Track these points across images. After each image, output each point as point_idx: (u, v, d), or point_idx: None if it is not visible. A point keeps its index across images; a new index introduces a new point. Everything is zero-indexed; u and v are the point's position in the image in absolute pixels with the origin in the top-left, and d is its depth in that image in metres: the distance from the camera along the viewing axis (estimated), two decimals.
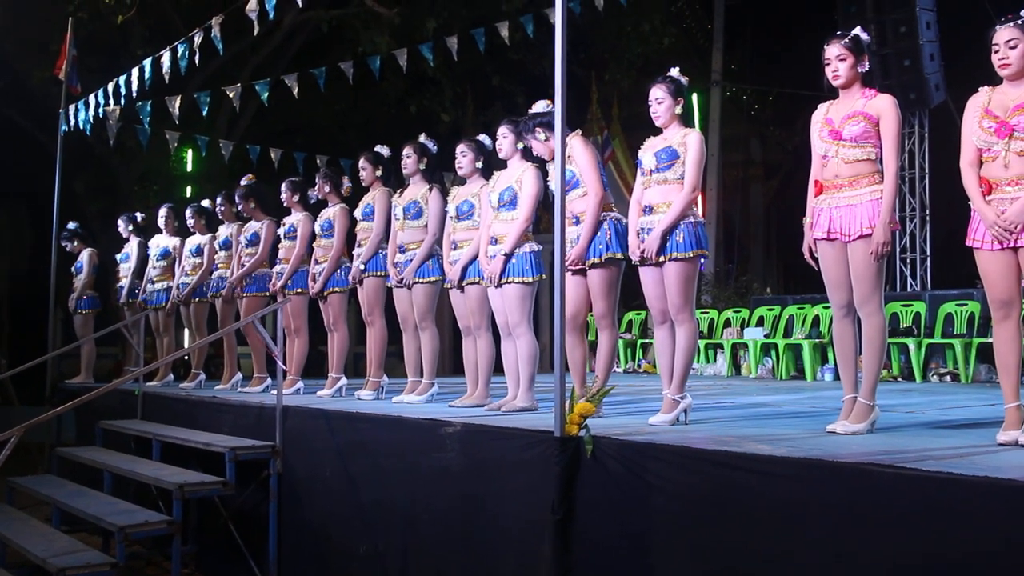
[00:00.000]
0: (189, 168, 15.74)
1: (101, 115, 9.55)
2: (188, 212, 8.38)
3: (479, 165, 5.73)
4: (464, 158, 5.73)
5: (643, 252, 4.53)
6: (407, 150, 6.18)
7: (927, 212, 13.19)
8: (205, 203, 8.47)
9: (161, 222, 8.75)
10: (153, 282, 8.61)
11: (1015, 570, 2.56)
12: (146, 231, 9.16)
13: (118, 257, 9.27)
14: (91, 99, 9.52)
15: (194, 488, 5.39)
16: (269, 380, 7.30)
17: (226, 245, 7.89)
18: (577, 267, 4.86)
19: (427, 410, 5.38)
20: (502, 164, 5.48)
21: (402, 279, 6.02)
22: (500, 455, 4.25)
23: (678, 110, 4.62)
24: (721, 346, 11.04)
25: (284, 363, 6.29)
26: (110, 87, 9.17)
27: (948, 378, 8.99)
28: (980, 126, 3.66)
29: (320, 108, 14.68)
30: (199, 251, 8.17)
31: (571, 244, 4.79)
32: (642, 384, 8.44)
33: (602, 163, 5.15)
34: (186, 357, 9.11)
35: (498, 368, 5.54)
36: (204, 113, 9.41)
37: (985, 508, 2.65)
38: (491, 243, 5.31)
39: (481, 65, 13.60)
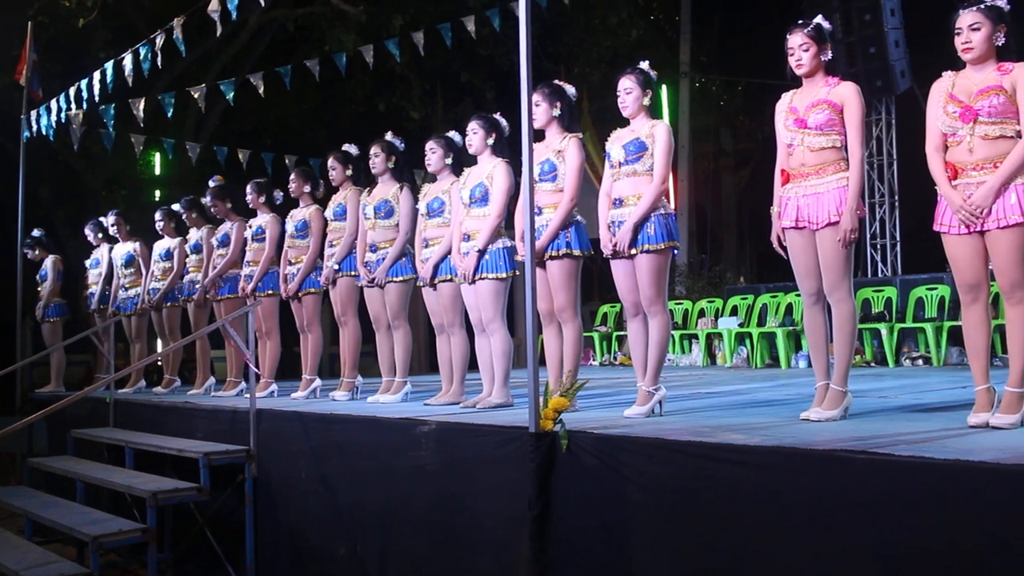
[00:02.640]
0: (157, 171, 15.58)
1: (64, 120, 9.43)
2: (157, 216, 8.28)
3: (449, 161, 5.70)
4: (433, 155, 5.70)
5: (615, 245, 4.52)
6: (374, 149, 6.13)
7: (896, 198, 13.30)
8: (175, 206, 8.37)
9: (112, 230, 8.64)
10: (124, 288, 8.51)
11: (987, 551, 2.58)
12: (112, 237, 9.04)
13: (88, 263, 9.15)
14: (53, 104, 9.41)
15: (168, 495, 5.33)
16: (243, 384, 7.23)
17: (197, 248, 7.80)
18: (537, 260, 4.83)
19: (402, 409, 5.35)
20: (473, 160, 5.45)
21: (374, 278, 5.99)
22: (476, 452, 4.24)
23: (646, 101, 4.61)
24: (696, 336, 11.09)
25: (256, 366, 6.23)
26: (72, 91, 9.06)
27: (920, 362, 9.08)
28: (945, 111, 3.68)
29: (288, 108, 14.58)
30: (168, 255, 8.08)
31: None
32: (617, 377, 8.46)
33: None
34: (159, 363, 9.02)
35: (473, 365, 5.52)
36: (170, 115, 9.31)
37: (957, 490, 2.67)
38: (463, 240, 5.29)
39: (449, 61, 13.55)
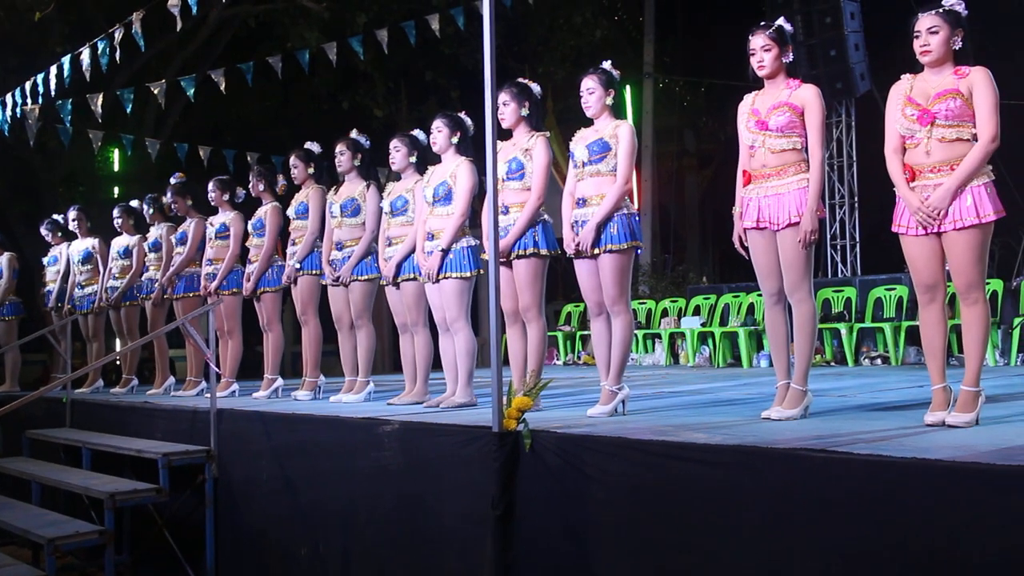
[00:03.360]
0: (116, 168, 15.34)
1: (20, 115, 9.25)
2: (116, 212, 8.15)
3: (413, 160, 5.67)
4: (397, 153, 5.67)
5: (578, 245, 4.53)
6: (340, 147, 6.09)
7: (856, 199, 13.48)
8: (133, 203, 8.24)
9: (73, 225, 8.50)
10: (81, 286, 8.37)
11: (943, 548, 2.61)
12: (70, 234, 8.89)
13: (45, 260, 8.99)
14: (8, 98, 9.22)
15: (126, 496, 5.26)
16: (203, 383, 7.15)
17: (156, 247, 7.70)
18: (503, 259, 4.83)
19: (365, 409, 5.32)
20: (438, 159, 5.43)
21: (339, 277, 5.94)
22: (439, 452, 4.22)
23: (609, 101, 4.62)
24: (659, 336, 11.15)
25: (217, 365, 6.16)
26: (28, 86, 8.88)
27: (879, 361, 9.21)
28: (903, 114, 3.73)
29: (250, 105, 14.43)
30: (127, 253, 7.96)
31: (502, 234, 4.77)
32: (581, 376, 8.48)
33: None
34: (117, 362, 8.89)
35: (437, 364, 5.50)
36: (129, 111, 9.17)
37: (915, 488, 2.71)
38: (427, 238, 5.27)
39: (414, 60, 13.51)
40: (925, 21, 3.68)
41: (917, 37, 3.70)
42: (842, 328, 9.44)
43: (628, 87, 14.77)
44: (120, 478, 5.73)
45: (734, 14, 13.53)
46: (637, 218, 4.60)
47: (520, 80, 5.06)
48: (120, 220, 8.09)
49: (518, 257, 4.82)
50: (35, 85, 8.76)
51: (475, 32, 10.61)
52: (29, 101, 8.88)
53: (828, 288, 10.05)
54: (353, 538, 4.74)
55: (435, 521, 4.25)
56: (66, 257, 8.71)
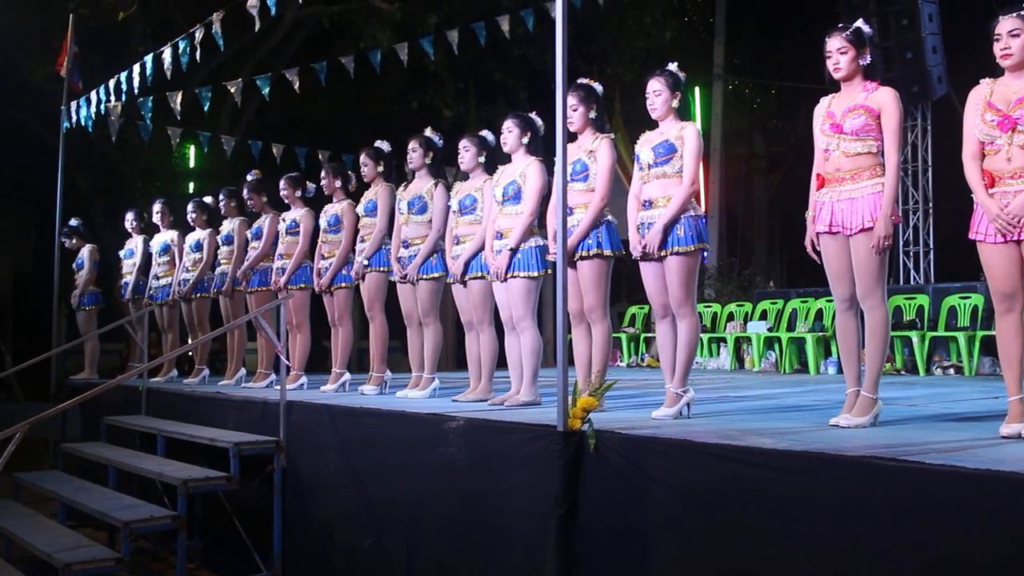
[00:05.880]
0: (191, 164, 15.75)
1: (103, 112, 9.57)
2: (189, 207, 8.38)
3: (481, 160, 5.72)
4: (467, 153, 5.73)
5: (644, 247, 4.52)
6: (413, 144, 6.16)
7: (930, 205, 13.17)
8: (207, 199, 8.47)
9: (156, 218, 8.76)
10: (158, 278, 8.62)
11: (1017, 562, 2.56)
12: (151, 227, 9.17)
13: (121, 253, 9.28)
14: (93, 96, 9.54)
15: (198, 483, 5.40)
16: (273, 375, 7.31)
17: (228, 240, 7.89)
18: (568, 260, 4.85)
19: (430, 405, 5.39)
20: (506, 158, 5.47)
21: (406, 274, 6.02)
22: (503, 449, 4.26)
23: (675, 104, 4.61)
24: (724, 340, 11.04)
25: (287, 358, 6.30)
26: (112, 84, 9.18)
27: (951, 371, 8.98)
28: (982, 119, 3.65)
29: (322, 104, 14.67)
30: (199, 246, 8.18)
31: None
32: (645, 378, 8.45)
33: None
34: (191, 353, 9.14)
35: (502, 363, 5.54)
36: (206, 109, 9.42)
37: (987, 501, 2.65)
38: (496, 237, 5.31)
39: (483, 60, 13.58)
40: (1006, 24, 3.61)
41: (997, 40, 3.62)
42: (914, 336, 9.24)
43: (697, 89, 14.66)
44: (192, 465, 5.89)
45: (806, 15, 13.36)
46: (704, 220, 4.58)
47: (585, 81, 5.07)
48: (194, 215, 8.31)
49: (582, 258, 4.83)
50: (118, 83, 9.05)
51: (544, 33, 10.65)
52: (112, 98, 9.18)
53: (900, 295, 9.83)
54: (416, 532, 4.80)
55: (498, 517, 4.29)
56: (142, 250, 8.97)
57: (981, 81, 3.74)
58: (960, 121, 3.77)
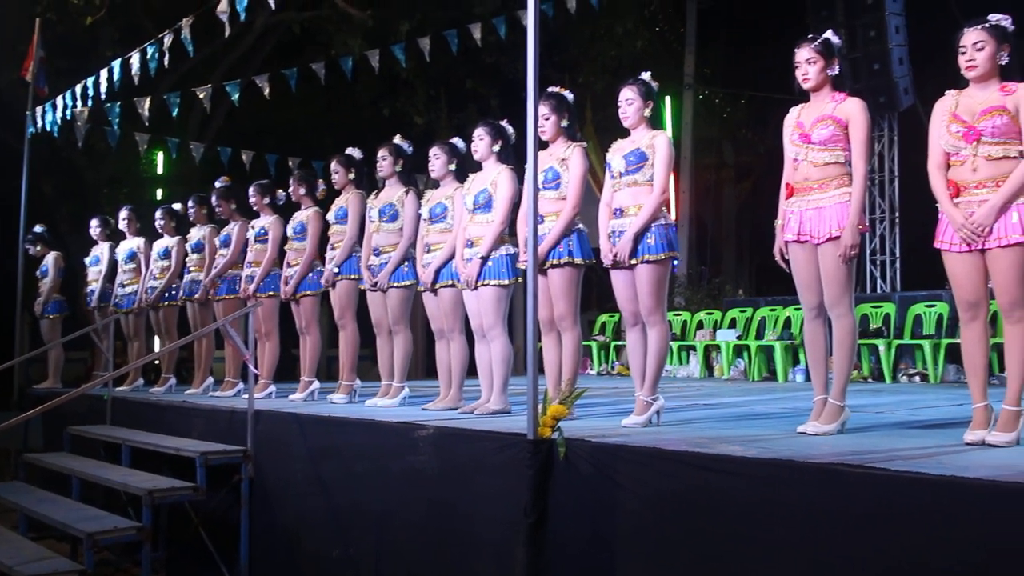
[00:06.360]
0: (159, 170, 15.59)
1: (69, 117, 9.45)
2: (158, 214, 8.29)
3: (452, 168, 5.72)
4: (437, 160, 5.72)
5: (615, 255, 4.53)
6: (382, 152, 6.14)
7: (897, 214, 13.33)
8: (175, 206, 8.38)
9: (123, 224, 8.66)
10: (123, 285, 8.51)
11: (981, 568, 2.58)
12: (118, 234, 9.06)
13: (87, 260, 9.16)
14: (59, 101, 9.42)
15: (164, 493, 5.33)
16: (241, 384, 7.24)
17: (198, 248, 7.81)
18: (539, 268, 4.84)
19: (400, 413, 5.36)
20: (477, 167, 5.46)
21: (376, 282, 5.99)
22: (473, 458, 4.24)
23: (647, 112, 4.63)
24: (694, 348, 11.09)
25: (255, 367, 6.24)
26: (78, 89, 9.07)
27: (917, 378, 9.08)
28: (948, 130, 3.70)
29: (293, 110, 14.59)
30: (167, 254, 8.09)
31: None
32: (615, 386, 8.46)
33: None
34: (156, 361, 9.03)
35: (472, 371, 5.52)
36: (174, 114, 9.33)
37: (952, 507, 2.68)
38: (467, 246, 5.30)
39: (455, 68, 13.57)
40: (971, 36, 3.66)
41: (962, 52, 3.67)
42: (880, 344, 9.33)
43: (668, 98, 14.74)
44: (158, 475, 5.81)
45: (776, 26, 13.49)
46: (674, 229, 4.60)
47: (556, 90, 5.08)
48: (162, 222, 8.22)
49: (553, 266, 4.84)
50: (85, 88, 8.94)
51: (516, 41, 10.65)
52: (79, 103, 9.07)
53: (867, 304, 9.94)
54: (385, 541, 4.77)
55: (467, 526, 4.27)
56: (107, 257, 8.86)
57: (946, 92, 3.79)
58: (926, 132, 3.82)
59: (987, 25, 3.65)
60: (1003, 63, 3.63)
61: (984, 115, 3.60)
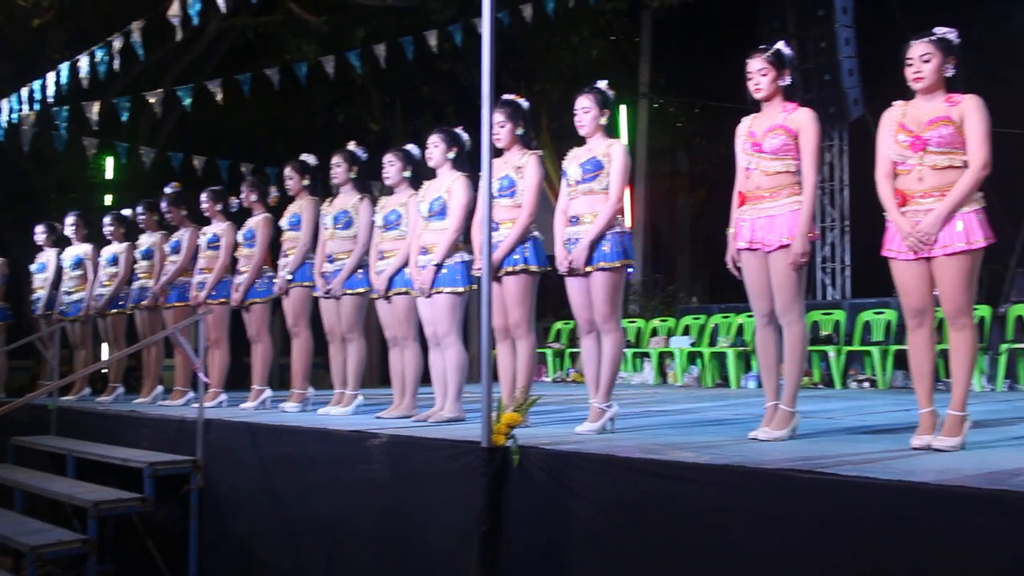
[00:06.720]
0: (108, 176, 15.30)
1: (15, 121, 9.25)
2: (106, 220, 8.13)
3: (407, 175, 5.69)
4: (391, 167, 5.69)
5: (570, 263, 4.54)
6: (336, 159, 6.10)
7: (847, 223, 13.56)
8: (125, 212, 8.23)
9: (70, 230, 8.47)
10: (69, 293, 8.33)
11: (928, 570, 2.62)
12: (64, 241, 8.87)
13: (33, 267, 8.95)
14: (4, 104, 9.22)
15: (110, 505, 5.23)
16: (191, 393, 7.12)
17: (148, 255, 7.68)
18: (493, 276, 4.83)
19: (353, 422, 5.31)
20: (432, 174, 5.44)
21: (330, 289, 5.94)
22: (427, 466, 4.22)
23: (603, 121, 4.65)
24: (648, 355, 11.15)
25: (206, 375, 6.15)
26: (25, 92, 8.88)
27: (866, 384, 9.23)
28: (895, 140, 3.76)
29: (246, 116, 14.44)
30: (115, 260, 7.94)
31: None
32: (570, 393, 8.47)
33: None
34: (104, 370, 8.85)
35: (426, 379, 5.49)
36: (124, 119, 9.18)
37: (900, 511, 2.72)
38: (421, 253, 5.27)
39: (411, 75, 13.54)
40: (917, 48, 3.73)
41: (910, 64, 3.74)
42: (830, 351, 9.47)
43: (623, 107, 14.83)
44: (105, 487, 5.69)
45: (729, 38, 13.65)
46: (630, 237, 4.62)
47: (511, 98, 5.08)
48: (111, 228, 8.07)
49: (508, 274, 4.83)
50: (31, 91, 8.77)
51: (472, 48, 10.64)
52: (25, 107, 8.88)
53: (817, 311, 10.08)
54: (338, 551, 4.71)
55: (421, 535, 4.24)
56: (54, 264, 8.67)
57: (894, 103, 3.86)
58: (875, 141, 3.88)
59: (933, 38, 3.72)
60: (949, 75, 3.71)
61: (930, 125, 3.67)
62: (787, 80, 4.15)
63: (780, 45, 4.19)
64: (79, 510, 5.52)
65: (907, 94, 3.81)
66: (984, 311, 8.77)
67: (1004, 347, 8.58)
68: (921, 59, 3.71)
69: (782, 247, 3.99)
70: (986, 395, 7.99)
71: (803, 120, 4.05)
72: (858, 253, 13.36)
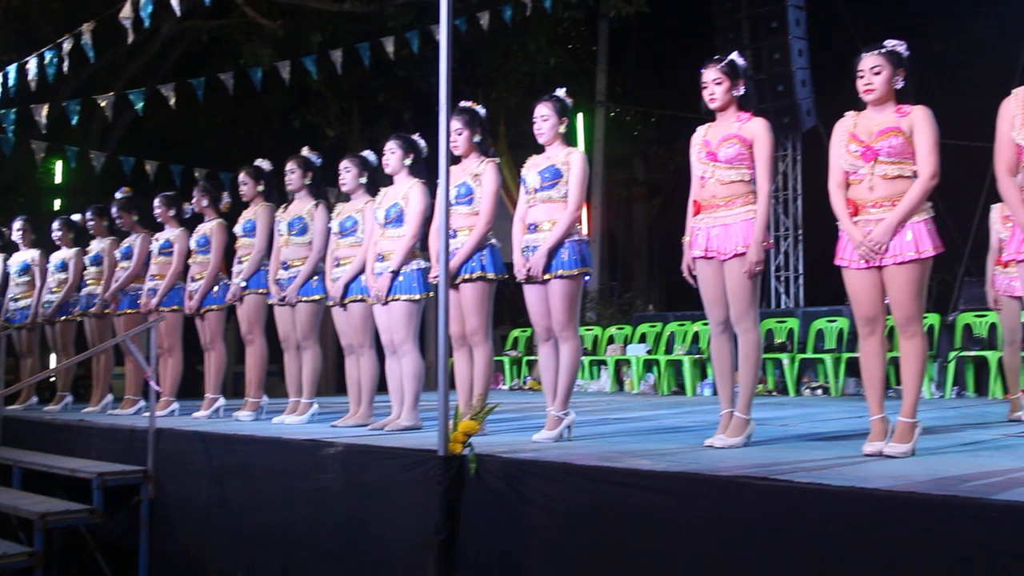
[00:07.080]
0: (57, 180, 15.01)
1: None
2: (55, 225, 7.97)
3: (363, 181, 5.65)
4: (348, 174, 5.65)
5: (528, 270, 4.54)
6: (290, 165, 6.04)
7: (800, 232, 13.73)
8: (74, 217, 8.08)
9: (17, 235, 8.30)
10: (16, 299, 8.15)
11: (880, 575, 2.65)
12: (11, 246, 8.68)
13: None
14: None
15: (58, 517, 5.10)
16: (142, 402, 7.00)
17: (97, 260, 7.54)
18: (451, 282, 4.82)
19: (308, 430, 5.25)
20: (388, 180, 5.41)
21: (285, 297, 5.88)
22: (383, 475, 4.18)
23: (562, 129, 4.66)
24: (605, 362, 11.20)
25: (157, 383, 6.04)
26: None
27: (819, 392, 9.36)
28: (847, 150, 3.82)
29: (200, 121, 14.25)
30: (64, 266, 7.79)
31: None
32: (527, 401, 8.47)
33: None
34: (52, 379, 8.67)
35: (382, 387, 5.45)
36: (74, 122, 9.01)
37: (852, 516, 2.75)
38: (378, 260, 5.24)
39: (367, 81, 13.48)
40: (868, 61, 3.79)
41: (861, 76, 3.80)
42: (784, 358, 9.58)
43: (580, 115, 14.91)
44: (52, 498, 5.56)
45: (686, 47, 13.81)
46: (587, 245, 4.63)
47: (469, 105, 5.07)
48: (60, 233, 7.92)
49: (465, 281, 4.81)
50: None
51: (429, 55, 10.64)
52: None
53: (771, 319, 10.20)
54: (293, 562, 4.65)
55: (377, 545, 4.20)
56: (1, 270, 8.48)
57: (846, 114, 3.92)
58: (827, 151, 3.94)
59: (883, 50, 3.79)
60: (899, 87, 3.78)
61: (881, 135, 3.73)
62: (741, 90, 4.19)
63: (734, 55, 4.23)
64: (25, 522, 5.39)
65: (859, 105, 3.88)
66: (933, 319, 8.95)
67: (953, 355, 8.75)
68: (872, 71, 3.77)
69: (737, 255, 4.03)
70: (935, 402, 8.14)
71: (757, 130, 4.10)
72: (811, 262, 13.53)
